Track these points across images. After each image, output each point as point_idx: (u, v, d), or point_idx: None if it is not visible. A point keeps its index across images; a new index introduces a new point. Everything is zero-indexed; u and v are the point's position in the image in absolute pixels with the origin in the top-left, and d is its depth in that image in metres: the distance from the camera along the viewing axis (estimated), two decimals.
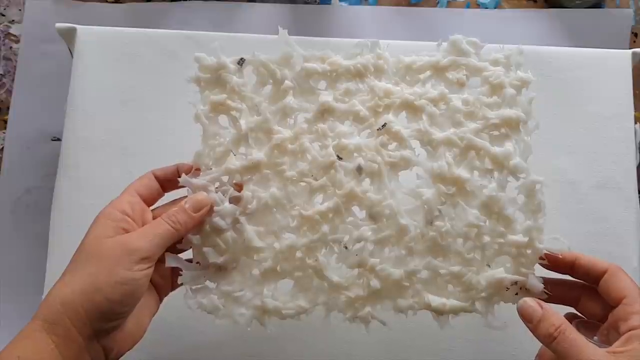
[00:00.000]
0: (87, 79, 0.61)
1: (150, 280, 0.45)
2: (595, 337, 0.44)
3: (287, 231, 0.47)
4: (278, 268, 0.47)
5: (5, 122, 0.70)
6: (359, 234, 0.46)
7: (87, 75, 0.61)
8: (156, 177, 0.47)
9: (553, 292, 0.45)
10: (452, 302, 0.46)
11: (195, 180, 0.46)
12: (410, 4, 0.73)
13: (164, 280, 0.47)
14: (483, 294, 0.46)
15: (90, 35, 0.62)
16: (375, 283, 0.46)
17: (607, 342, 0.43)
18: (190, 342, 0.53)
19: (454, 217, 0.46)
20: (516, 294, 0.46)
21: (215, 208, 0.46)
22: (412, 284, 0.46)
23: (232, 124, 0.48)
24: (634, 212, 0.58)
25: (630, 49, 0.65)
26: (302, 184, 0.47)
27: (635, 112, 0.61)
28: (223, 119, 0.48)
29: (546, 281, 0.46)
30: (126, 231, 0.43)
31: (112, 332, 0.41)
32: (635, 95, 0.61)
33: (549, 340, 0.41)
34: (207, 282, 0.47)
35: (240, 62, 0.48)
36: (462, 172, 0.46)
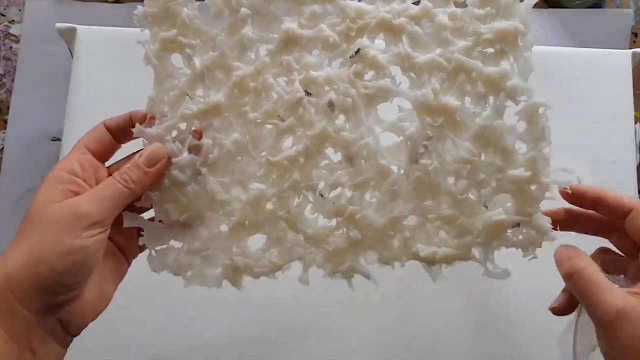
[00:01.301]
0: (87, 79, 0.61)
1: (115, 243, 0.41)
2: (622, 276, 0.40)
3: (254, 180, 0.42)
4: (247, 222, 0.42)
5: (5, 122, 0.70)
6: (334, 179, 0.41)
7: (87, 75, 0.61)
8: (108, 129, 0.43)
9: (583, 225, 0.42)
10: (444, 250, 0.40)
11: (149, 130, 0.41)
12: None
13: (130, 242, 0.43)
14: (480, 239, 0.40)
15: (90, 35, 0.62)
16: (355, 233, 0.40)
17: (635, 280, 0.38)
18: (190, 342, 0.52)
19: (442, 153, 0.40)
20: (520, 237, 0.40)
21: (173, 160, 0.41)
22: (398, 232, 0.41)
23: (186, 63, 0.42)
24: None
25: (630, 49, 0.66)
26: (268, 126, 0.41)
27: (635, 112, 0.61)
28: (176, 58, 0.42)
29: (573, 213, 0.41)
30: (76, 194, 0.39)
31: (67, 304, 0.37)
32: (635, 95, 0.61)
33: (566, 278, 0.38)
34: (172, 242, 0.43)
35: None
36: (450, 99, 0.39)
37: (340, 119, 0.41)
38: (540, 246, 0.40)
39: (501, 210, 0.40)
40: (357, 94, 0.40)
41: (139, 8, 0.42)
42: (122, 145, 0.44)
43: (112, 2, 0.73)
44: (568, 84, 0.61)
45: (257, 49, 0.42)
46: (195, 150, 0.42)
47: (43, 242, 0.36)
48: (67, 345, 0.39)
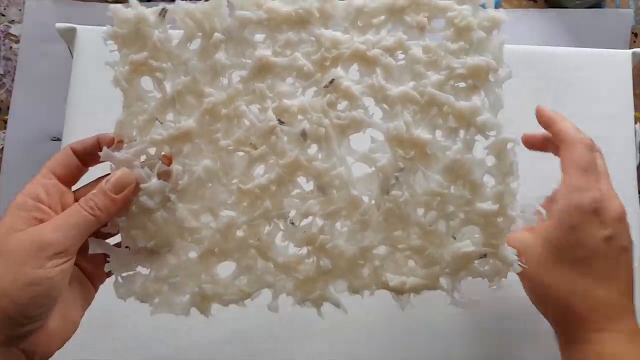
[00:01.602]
0: (87, 79, 0.61)
1: (81, 269, 0.40)
2: (526, 211, 0.44)
3: (224, 208, 0.41)
4: (216, 250, 0.41)
5: (5, 122, 0.70)
6: (306, 208, 0.41)
7: (87, 75, 0.61)
8: (75, 152, 0.42)
9: (537, 147, 0.50)
10: (413, 280, 0.41)
11: (117, 155, 0.40)
12: None
13: (96, 268, 0.42)
14: (447, 270, 0.41)
15: (90, 35, 0.61)
16: (325, 262, 0.41)
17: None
18: (189, 341, 0.52)
19: (413, 185, 0.41)
20: (486, 267, 0.41)
21: (141, 185, 0.40)
22: (368, 262, 0.41)
23: (157, 86, 0.41)
24: (634, 212, 0.55)
25: (630, 49, 0.66)
26: (240, 153, 0.41)
27: (635, 112, 0.61)
28: (146, 81, 0.41)
29: (527, 138, 0.49)
30: (40, 221, 0.38)
31: (31, 335, 0.36)
32: (635, 95, 0.61)
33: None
34: (139, 268, 0.42)
35: (162, 12, 0.41)
36: (422, 132, 0.40)
37: (313, 149, 0.41)
38: (505, 277, 0.41)
39: (469, 241, 0.41)
40: (330, 124, 0.40)
41: (108, 28, 0.41)
42: (91, 168, 0.42)
43: (112, 2, 0.72)
44: (568, 83, 0.61)
45: (230, 75, 0.41)
46: (164, 176, 0.41)
47: (5, 273, 0.35)
48: None
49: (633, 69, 0.61)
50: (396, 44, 0.40)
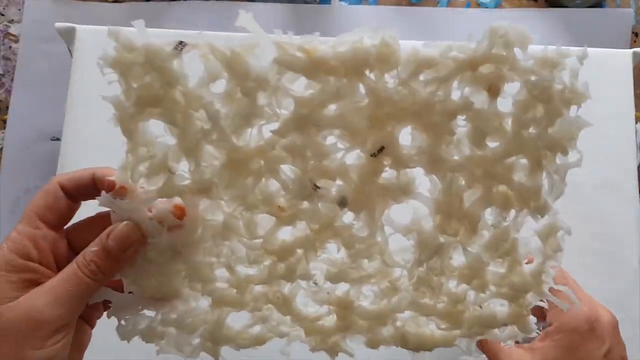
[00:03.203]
0: (87, 79, 0.59)
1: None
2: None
3: (243, 264, 0.37)
4: (231, 300, 0.38)
5: (5, 122, 0.69)
6: (334, 274, 0.37)
7: (87, 75, 0.59)
8: (64, 189, 0.35)
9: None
10: (431, 340, 0.40)
11: (122, 204, 0.34)
12: (410, 4, 0.73)
13: (93, 307, 0.38)
14: (467, 334, 0.40)
15: (90, 35, 0.60)
16: (349, 320, 0.39)
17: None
18: None
19: (451, 257, 0.38)
20: (504, 331, 0.41)
21: (150, 241, 0.35)
22: (390, 323, 0.40)
23: (169, 131, 0.34)
24: (634, 212, 0.55)
25: (630, 48, 0.65)
26: (265, 215, 0.36)
27: (635, 112, 0.60)
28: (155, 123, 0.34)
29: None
30: (33, 283, 0.33)
31: None
32: (635, 95, 0.61)
33: (478, 347, 0.44)
34: (144, 311, 0.38)
35: (179, 47, 0.31)
36: (475, 208, 0.36)
37: (349, 215, 0.36)
38: (519, 340, 0.41)
39: (495, 312, 0.40)
40: (374, 192, 0.35)
41: (105, 53, 0.32)
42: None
43: (112, 2, 0.71)
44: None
45: (261, 127, 0.34)
46: (175, 229, 0.36)
47: (3, 354, 0.31)
48: None
49: (633, 69, 0.60)
50: (462, 106, 0.34)
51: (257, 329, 0.40)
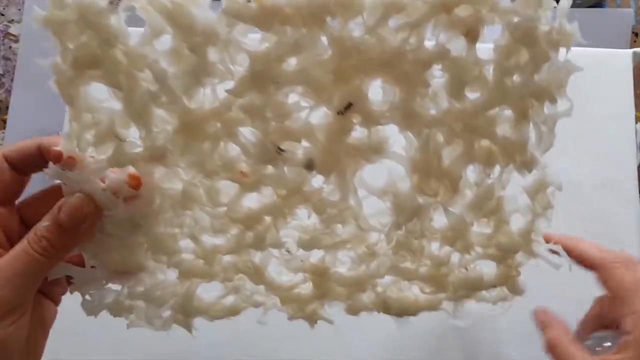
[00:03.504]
0: None
1: (39, 290, 0.34)
2: (595, 335, 0.40)
3: (208, 234, 0.35)
4: (199, 271, 0.36)
5: (5, 122, 0.70)
6: (307, 242, 0.35)
7: None
8: (9, 162, 0.32)
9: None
10: (415, 304, 0.38)
11: (72, 175, 0.32)
12: None
13: (56, 283, 0.36)
14: (453, 297, 0.38)
15: None
16: (325, 287, 0.37)
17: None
18: (189, 342, 0.49)
19: (432, 219, 0.35)
20: (492, 293, 0.38)
21: (106, 213, 0.33)
22: (370, 289, 0.37)
23: (113, 94, 0.31)
24: (634, 212, 0.54)
25: (630, 48, 0.63)
26: (227, 181, 0.33)
27: (635, 112, 0.59)
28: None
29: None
30: None
31: None
32: (635, 95, 0.60)
33: (546, 351, 0.40)
34: (109, 285, 0.37)
35: (115, 0, 0.28)
36: (456, 165, 0.33)
37: (318, 179, 0.33)
38: (510, 301, 0.39)
39: (482, 274, 0.37)
40: (343, 152, 0.32)
41: (36, 9, 0.28)
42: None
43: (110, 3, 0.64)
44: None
45: (214, 86, 0.31)
46: (131, 200, 0.33)
47: None
48: None
49: (633, 69, 0.60)
50: (437, 54, 0.30)
51: (230, 299, 0.38)
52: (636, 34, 0.70)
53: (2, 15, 0.69)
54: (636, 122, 0.59)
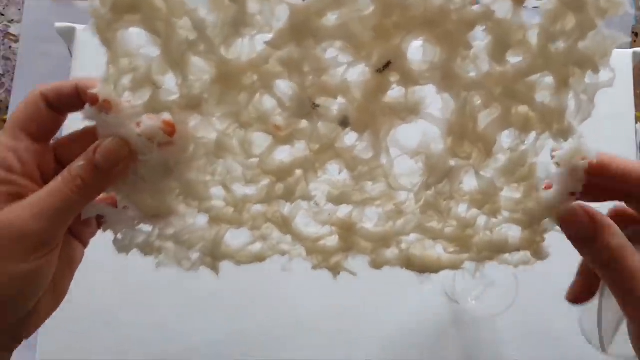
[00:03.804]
0: None
1: (69, 230, 0.35)
2: None
3: (239, 183, 0.35)
4: (229, 218, 0.37)
5: (5, 122, 0.66)
6: (337, 196, 0.35)
7: (86, 75, 0.50)
8: (47, 100, 0.33)
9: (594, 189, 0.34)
10: (438, 262, 0.39)
11: (108, 118, 0.32)
12: None
13: (85, 223, 0.37)
14: (476, 256, 0.38)
15: (90, 35, 0.50)
16: (351, 241, 0.37)
17: None
18: (190, 342, 0.50)
19: (461, 181, 0.35)
20: (515, 257, 0.39)
21: (140, 158, 0.33)
22: (394, 245, 0.38)
23: (153, 40, 0.30)
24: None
25: (630, 49, 0.64)
26: (260, 133, 0.33)
27: (635, 112, 0.61)
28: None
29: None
30: (16, 196, 0.32)
31: (18, 324, 0.33)
32: (635, 95, 0.61)
33: (597, 267, 0.32)
34: (141, 226, 0.38)
35: None
36: (491, 129, 0.32)
37: (351, 136, 0.33)
38: (532, 265, 0.39)
39: (506, 237, 0.37)
40: (378, 111, 0.32)
41: None
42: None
43: None
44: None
45: (253, 38, 0.30)
46: (165, 146, 0.33)
47: None
48: (13, 350, 0.35)
49: (633, 69, 0.60)
50: (482, 15, 0.30)
51: (257, 246, 0.39)
52: (636, 34, 0.70)
53: (2, 15, 0.69)
54: (636, 122, 0.60)
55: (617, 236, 0.32)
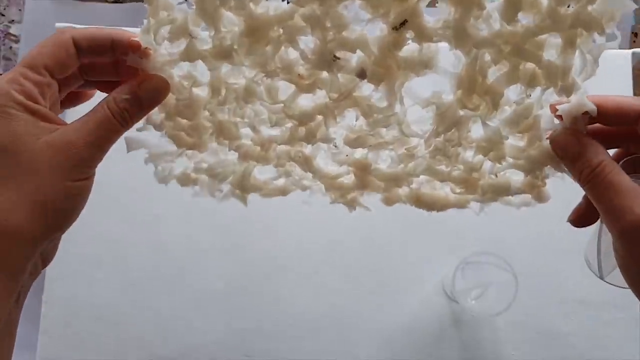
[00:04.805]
0: None
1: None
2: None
3: (265, 126, 0.39)
4: (256, 155, 0.41)
5: None
6: (353, 140, 0.39)
7: None
8: (77, 45, 0.35)
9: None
10: (445, 201, 0.42)
11: (150, 63, 0.35)
12: None
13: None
14: (481, 197, 0.42)
15: None
16: (366, 180, 0.41)
17: None
18: (190, 342, 0.53)
19: (470, 130, 0.38)
20: (517, 199, 0.42)
21: (178, 97, 0.37)
22: (406, 184, 0.41)
23: None
24: None
25: (630, 49, 0.64)
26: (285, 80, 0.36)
27: None
28: None
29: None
30: (50, 123, 0.34)
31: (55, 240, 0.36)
32: (635, 95, 0.61)
33: (581, 183, 0.34)
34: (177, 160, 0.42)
35: None
36: (499, 84, 0.35)
37: (368, 86, 0.36)
38: (533, 206, 0.42)
39: (509, 181, 0.40)
40: (394, 65, 0.35)
41: None
42: None
43: (112, 2, 0.72)
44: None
45: None
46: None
47: (43, 186, 0.33)
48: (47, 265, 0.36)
49: (633, 69, 0.60)
50: None
51: (281, 181, 0.42)
52: (636, 34, 0.70)
53: (3, 15, 0.70)
54: None
55: (601, 154, 0.34)
